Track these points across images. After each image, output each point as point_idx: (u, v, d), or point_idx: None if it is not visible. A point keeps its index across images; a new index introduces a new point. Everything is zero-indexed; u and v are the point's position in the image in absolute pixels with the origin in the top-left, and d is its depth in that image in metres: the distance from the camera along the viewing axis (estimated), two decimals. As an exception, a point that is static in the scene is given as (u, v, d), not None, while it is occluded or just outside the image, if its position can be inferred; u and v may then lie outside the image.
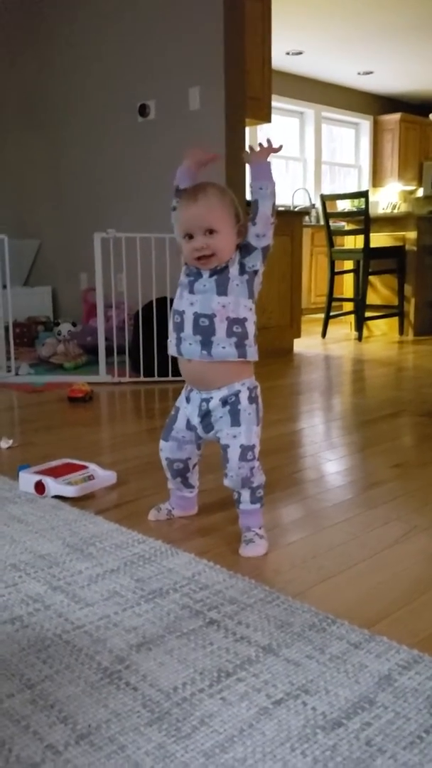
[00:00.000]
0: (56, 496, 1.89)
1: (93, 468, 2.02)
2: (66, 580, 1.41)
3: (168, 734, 0.94)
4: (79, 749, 0.92)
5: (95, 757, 0.90)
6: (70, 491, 1.88)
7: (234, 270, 1.52)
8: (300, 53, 7.30)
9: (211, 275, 1.51)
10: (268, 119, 5.14)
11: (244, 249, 1.52)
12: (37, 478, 1.91)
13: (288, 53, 7.26)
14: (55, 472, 1.96)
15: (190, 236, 1.48)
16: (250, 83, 4.68)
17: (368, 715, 0.98)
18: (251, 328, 1.58)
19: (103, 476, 2.00)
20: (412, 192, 9.39)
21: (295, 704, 1.00)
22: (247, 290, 1.54)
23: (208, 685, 1.05)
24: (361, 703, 1.00)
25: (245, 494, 1.58)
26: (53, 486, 1.89)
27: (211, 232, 1.45)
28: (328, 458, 2.30)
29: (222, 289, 1.50)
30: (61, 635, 1.20)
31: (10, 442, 2.45)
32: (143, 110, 4.62)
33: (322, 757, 0.90)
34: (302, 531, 1.67)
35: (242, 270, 1.52)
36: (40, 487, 1.90)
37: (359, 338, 5.51)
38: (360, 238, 5.52)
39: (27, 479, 1.94)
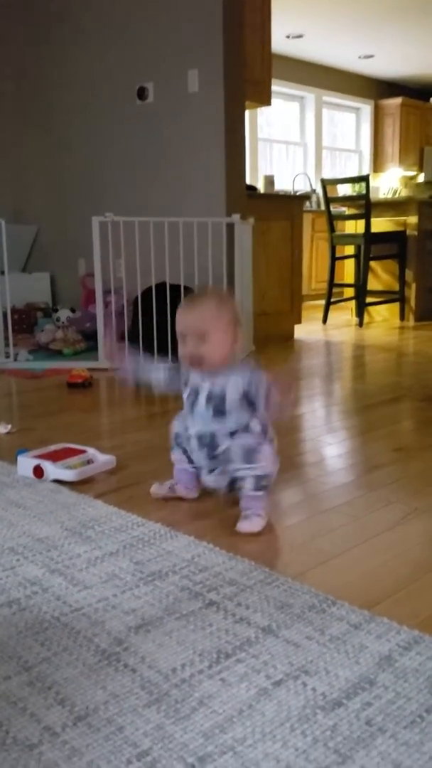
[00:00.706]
0: (55, 480, 1.88)
1: (92, 452, 2.01)
2: (64, 563, 1.40)
3: (167, 715, 0.94)
4: (76, 731, 0.91)
5: (93, 738, 0.89)
6: (68, 475, 1.87)
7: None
8: (300, 36, 7.23)
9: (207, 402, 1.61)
10: (268, 102, 5.11)
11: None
12: (36, 462, 1.90)
13: (288, 36, 7.19)
14: (54, 457, 1.95)
15: (184, 339, 1.58)
16: (249, 66, 4.64)
17: (368, 695, 0.97)
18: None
19: (103, 460, 1.99)
20: (412, 177, 9.34)
21: (295, 685, 1.00)
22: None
23: (208, 666, 1.04)
24: (362, 684, 0.99)
25: (249, 482, 1.56)
26: (52, 470, 1.88)
27: (202, 338, 1.54)
28: (329, 442, 2.29)
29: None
30: (59, 618, 1.19)
31: (9, 427, 2.43)
32: (141, 93, 4.58)
33: (323, 737, 0.89)
34: (302, 513, 1.66)
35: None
36: (38, 471, 1.89)
37: (360, 324, 5.49)
38: (361, 223, 5.49)
39: (25, 463, 1.93)
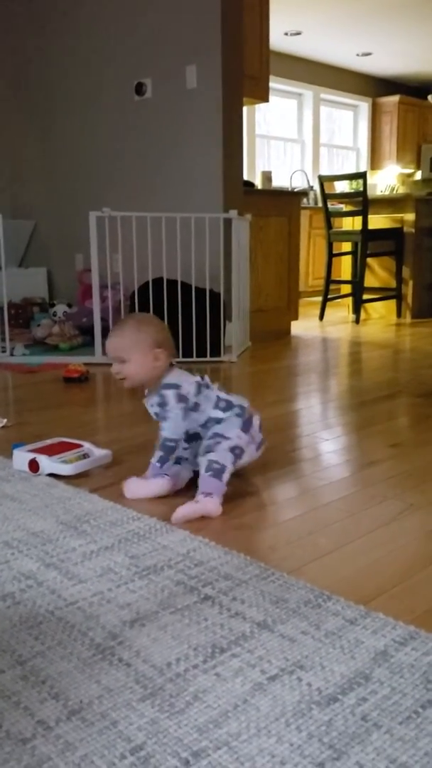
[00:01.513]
0: (50, 475, 1.87)
1: (88, 447, 2.01)
2: (59, 557, 1.39)
3: (161, 710, 0.93)
4: (70, 725, 0.90)
5: (87, 732, 0.89)
6: (64, 469, 1.87)
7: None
8: (298, 34, 7.22)
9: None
10: (265, 98, 5.10)
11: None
12: (31, 456, 1.89)
13: (287, 34, 7.18)
14: (50, 451, 1.94)
15: (110, 359, 1.77)
16: (247, 62, 4.63)
17: (364, 690, 0.97)
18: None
19: (99, 455, 1.99)
20: (410, 175, 9.34)
21: (290, 680, 0.99)
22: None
23: (202, 660, 1.04)
24: (357, 679, 0.99)
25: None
26: (47, 464, 1.87)
27: (122, 360, 1.73)
28: (325, 438, 2.28)
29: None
30: (53, 612, 1.18)
31: (4, 421, 2.43)
32: (139, 88, 4.56)
33: (317, 732, 0.88)
34: (298, 509, 1.65)
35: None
36: (33, 466, 1.88)
37: (357, 321, 5.49)
38: (358, 220, 5.48)
39: (21, 457, 1.92)
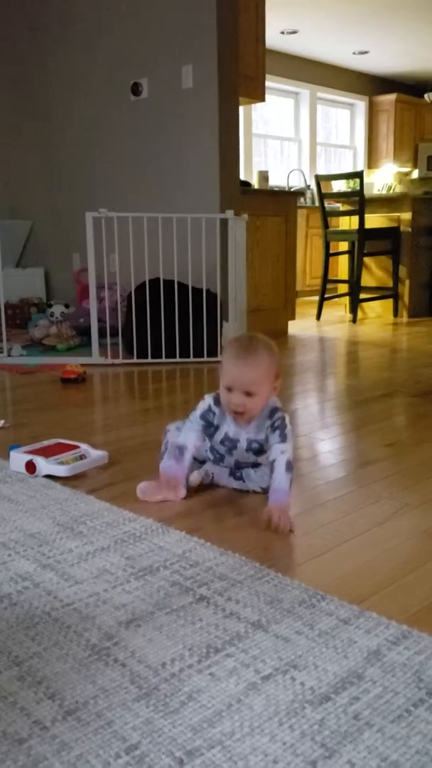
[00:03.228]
0: (47, 476, 1.88)
1: (85, 448, 2.02)
2: (56, 558, 1.40)
3: (156, 709, 0.94)
4: (66, 725, 0.91)
5: (82, 732, 0.90)
6: (61, 471, 1.88)
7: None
8: (295, 32, 7.22)
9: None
10: (262, 98, 5.10)
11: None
12: (28, 457, 1.90)
13: (283, 32, 7.19)
14: (47, 452, 1.95)
15: (230, 389, 1.61)
16: (244, 61, 4.64)
17: (356, 689, 0.98)
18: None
19: (95, 456, 1.99)
20: (407, 173, 9.35)
21: (284, 679, 1.00)
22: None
23: (197, 660, 1.05)
24: (350, 678, 1.00)
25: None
26: (44, 465, 1.88)
27: (249, 394, 1.60)
28: (321, 438, 2.29)
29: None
30: (50, 613, 1.19)
31: (2, 422, 2.43)
32: (136, 88, 4.57)
33: (310, 731, 0.89)
34: (293, 509, 1.66)
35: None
36: (30, 467, 1.89)
37: (354, 320, 5.50)
38: (355, 219, 5.49)
39: (18, 459, 1.93)
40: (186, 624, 1.15)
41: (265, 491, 1.67)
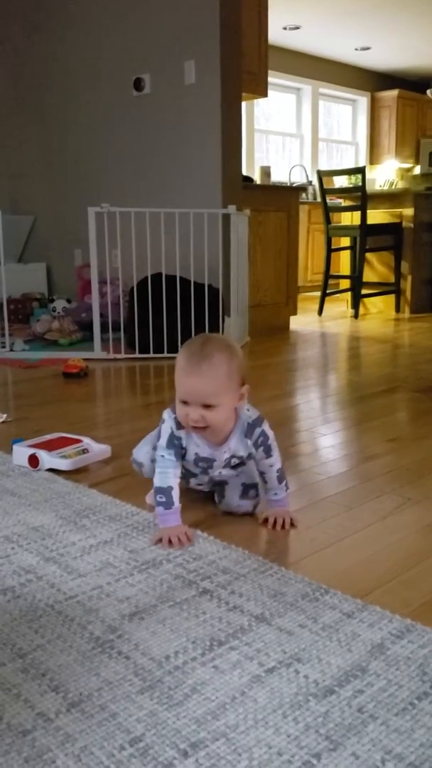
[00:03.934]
0: (50, 470, 1.88)
1: (87, 442, 2.01)
2: (59, 551, 1.40)
3: (160, 702, 0.94)
4: (70, 717, 0.91)
5: (87, 724, 0.90)
6: (64, 464, 1.88)
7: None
8: (297, 28, 7.20)
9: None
10: (264, 94, 5.09)
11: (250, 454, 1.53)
12: (31, 451, 1.90)
13: (285, 28, 7.17)
14: (49, 446, 1.95)
15: (185, 403, 1.39)
16: (246, 57, 4.63)
17: (360, 682, 0.98)
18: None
19: (98, 450, 2.00)
20: (409, 169, 9.33)
21: (288, 672, 1.00)
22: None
23: (201, 653, 1.05)
24: (354, 671, 1.00)
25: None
26: (47, 459, 1.88)
27: (209, 406, 1.37)
28: (323, 432, 2.29)
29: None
30: (53, 605, 1.19)
31: (4, 416, 2.43)
32: (138, 84, 4.56)
33: (314, 724, 0.89)
34: (296, 503, 1.66)
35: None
36: (33, 461, 1.89)
37: (356, 316, 5.49)
38: (357, 215, 5.48)
39: (21, 452, 1.93)
40: (189, 617, 1.15)
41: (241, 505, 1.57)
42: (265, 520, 1.52)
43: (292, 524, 1.51)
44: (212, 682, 0.98)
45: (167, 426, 1.46)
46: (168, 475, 1.45)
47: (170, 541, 1.40)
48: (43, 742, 0.87)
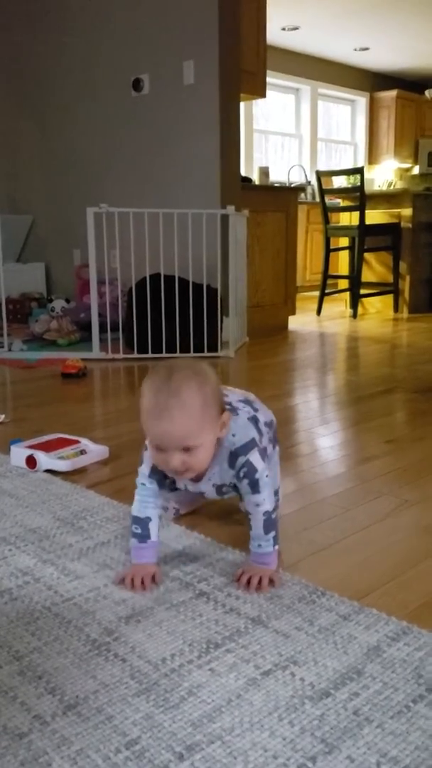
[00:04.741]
0: (48, 471, 1.88)
1: (85, 442, 2.02)
2: (56, 553, 1.40)
3: (156, 705, 0.94)
4: (66, 720, 0.92)
5: (83, 727, 0.90)
6: (61, 465, 1.88)
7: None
8: (296, 29, 7.20)
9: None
10: (263, 94, 5.09)
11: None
12: (29, 452, 1.90)
13: (284, 29, 7.17)
14: (47, 447, 1.96)
15: (160, 449, 1.20)
16: (245, 57, 4.62)
17: (356, 685, 0.98)
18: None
19: (96, 451, 2.00)
20: (407, 169, 9.34)
21: (284, 675, 1.00)
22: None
23: (197, 656, 1.05)
24: (350, 674, 1.00)
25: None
26: (45, 460, 1.88)
27: (188, 449, 1.18)
28: (321, 433, 2.29)
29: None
30: (50, 608, 1.19)
31: (2, 417, 2.43)
32: (137, 84, 4.56)
33: (310, 727, 0.90)
34: (293, 504, 1.67)
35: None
36: (31, 462, 1.89)
37: (354, 315, 5.50)
38: (355, 215, 5.48)
39: (18, 453, 1.93)
40: (186, 619, 1.15)
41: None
42: (239, 577, 1.26)
43: (271, 583, 1.25)
44: (208, 685, 0.98)
45: (149, 456, 1.28)
46: (147, 505, 1.30)
47: (133, 583, 1.25)
48: (39, 745, 0.87)
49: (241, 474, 1.26)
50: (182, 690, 0.97)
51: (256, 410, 1.37)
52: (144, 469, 1.30)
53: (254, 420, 1.33)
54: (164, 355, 3.63)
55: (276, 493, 1.41)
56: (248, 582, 1.25)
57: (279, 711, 0.93)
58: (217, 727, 0.90)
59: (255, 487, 1.26)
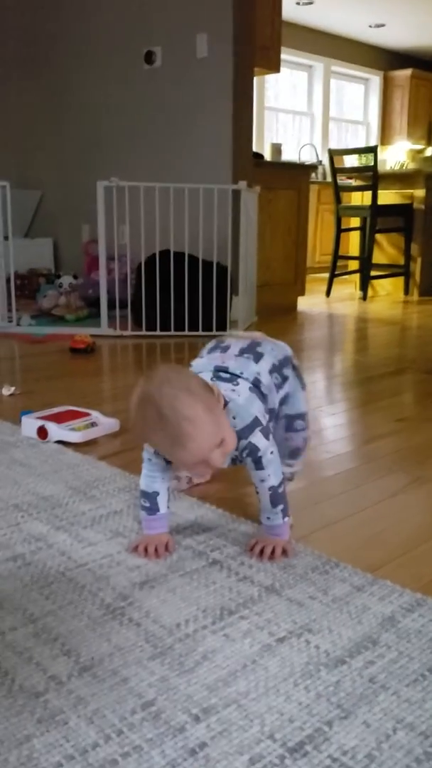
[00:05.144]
0: (59, 442, 1.88)
1: (96, 415, 2.01)
2: (69, 520, 1.40)
3: (171, 668, 0.95)
4: (82, 680, 0.92)
5: (98, 688, 0.90)
6: (73, 437, 1.88)
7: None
8: (311, 3, 7.10)
9: None
10: (276, 69, 5.04)
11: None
12: (40, 423, 1.90)
13: (298, 3, 7.07)
14: (58, 419, 1.95)
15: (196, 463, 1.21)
16: (259, 31, 4.57)
17: (371, 654, 0.98)
18: None
19: (106, 423, 1.99)
20: (420, 151, 9.24)
21: (299, 642, 1.00)
22: None
23: (211, 622, 1.05)
24: (365, 643, 1.00)
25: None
26: (56, 431, 1.88)
27: (219, 444, 1.17)
28: (331, 412, 2.29)
29: None
30: (64, 573, 1.20)
31: (12, 389, 2.43)
32: (149, 57, 4.51)
33: (326, 692, 0.90)
34: (304, 480, 1.66)
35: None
36: (42, 432, 1.89)
37: (364, 297, 5.47)
38: (367, 195, 5.44)
39: (29, 424, 1.93)
40: (200, 586, 1.15)
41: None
42: (253, 546, 1.27)
43: (284, 554, 1.26)
44: (223, 650, 0.98)
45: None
46: (155, 480, 1.30)
47: (146, 551, 1.26)
48: (55, 704, 0.87)
49: (244, 454, 1.25)
50: (197, 654, 0.97)
51: (260, 356, 1.35)
52: (150, 448, 1.29)
53: (256, 384, 1.30)
54: (172, 333, 3.61)
55: (303, 417, 1.45)
56: (261, 552, 1.25)
57: (294, 677, 0.93)
58: (232, 691, 0.90)
59: (259, 464, 1.25)
